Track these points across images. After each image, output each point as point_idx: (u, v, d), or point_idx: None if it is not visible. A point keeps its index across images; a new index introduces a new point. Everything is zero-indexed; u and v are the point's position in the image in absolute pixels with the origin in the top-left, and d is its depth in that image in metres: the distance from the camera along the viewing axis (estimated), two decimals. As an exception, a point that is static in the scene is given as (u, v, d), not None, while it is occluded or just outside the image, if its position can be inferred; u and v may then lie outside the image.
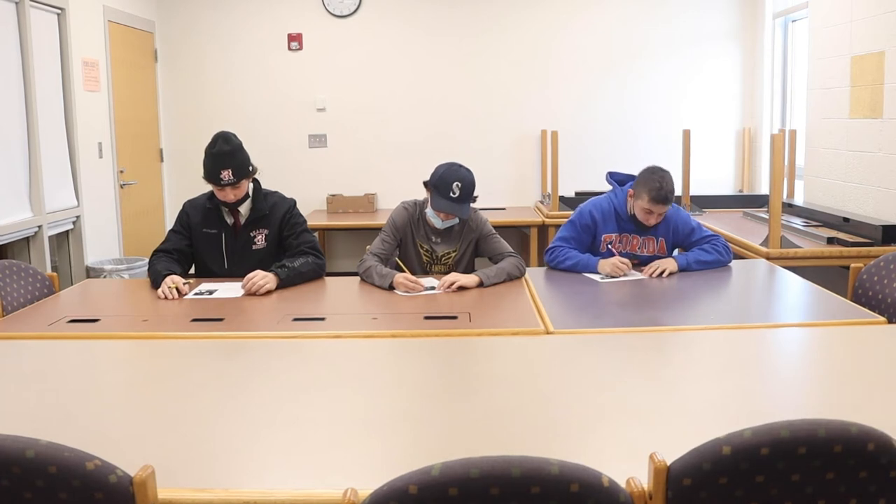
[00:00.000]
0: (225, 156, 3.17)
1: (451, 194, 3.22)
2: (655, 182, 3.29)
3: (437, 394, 1.99)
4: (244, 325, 2.67)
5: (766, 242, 4.06)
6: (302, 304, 2.93)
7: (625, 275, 3.29)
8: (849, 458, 1.33)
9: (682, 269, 3.32)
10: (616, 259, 3.31)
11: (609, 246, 3.49)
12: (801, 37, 5.89)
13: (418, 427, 1.77)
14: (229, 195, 3.23)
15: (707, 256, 3.38)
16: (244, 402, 1.93)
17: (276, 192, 3.44)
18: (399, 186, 6.32)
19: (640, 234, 3.49)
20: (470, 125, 6.60)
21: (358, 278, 3.27)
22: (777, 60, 6.27)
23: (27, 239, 4.56)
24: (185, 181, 6.47)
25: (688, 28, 6.53)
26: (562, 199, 5.91)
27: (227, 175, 3.16)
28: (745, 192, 6.48)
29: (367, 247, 3.41)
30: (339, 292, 3.15)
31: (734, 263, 3.52)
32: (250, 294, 3.03)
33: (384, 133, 6.62)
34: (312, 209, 6.54)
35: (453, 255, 3.41)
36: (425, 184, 3.35)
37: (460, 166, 3.30)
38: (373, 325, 2.64)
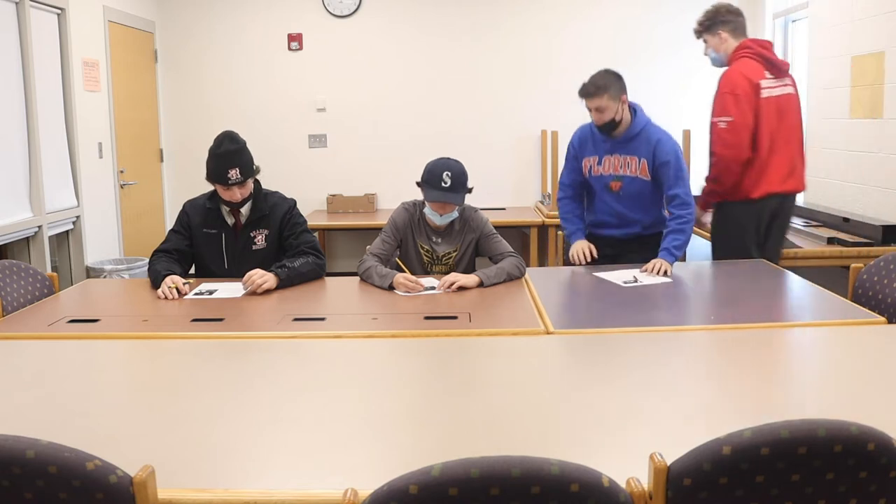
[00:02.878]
0: (232, 155, 3.18)
1: (443, 184, 3.23)
2: (584, 83, 3.51)
3: (437, 394, 1.99)
4: (244, 325, 2.67)
5: (766, 242, 4.06)
6: (302, 304, 2.93)
7: (587, 263, 3.47)
8: (849, 458, 1.33)
9: (675, 260, 3.40)
10: (583, 244, 3.47)
11: (590, 170, 3.62)
12: (801, 37, 5.89)
13: (418, 427, 1.77)
14: (236, 195, 3.23)
15: (680, 239, 3.42)
16: (244, 402, 1.93)
17: (276, 193, 3.44)
18: (399, 186, 6.31)
19: (620, 153, 3.56)
20: (470, 125, 6.60)
21: (358, 278, 3.28)
22: (777, 60, 6.26)
23: (27, 239, 4.56)
24: (185, 181, 6.47)
25: (688, 28, 6.47)
26: (562, 199, 5.90)
27: (234, 174, 3.17)
28: (745, 192, 6.48)
29: (367, 247, 3.41)
30: (339, 292, 3.15)
31: (734, 263, 3.52)
32: (250, 292, 3.03)
33: (384, 133, 6.62)
34: (312, 209, 6.54)
35: (454, 255, 3.41)
36: (418, 183, 3.35)
37: (448, 158, 3.32)
38: (373, 325, 2.64)
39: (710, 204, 3.77)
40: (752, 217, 3.64)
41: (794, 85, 3.72)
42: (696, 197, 3.62)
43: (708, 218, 3.84)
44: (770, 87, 3.60)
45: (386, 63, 6.54)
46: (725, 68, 3.71)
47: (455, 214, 3.34)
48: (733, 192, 3.62)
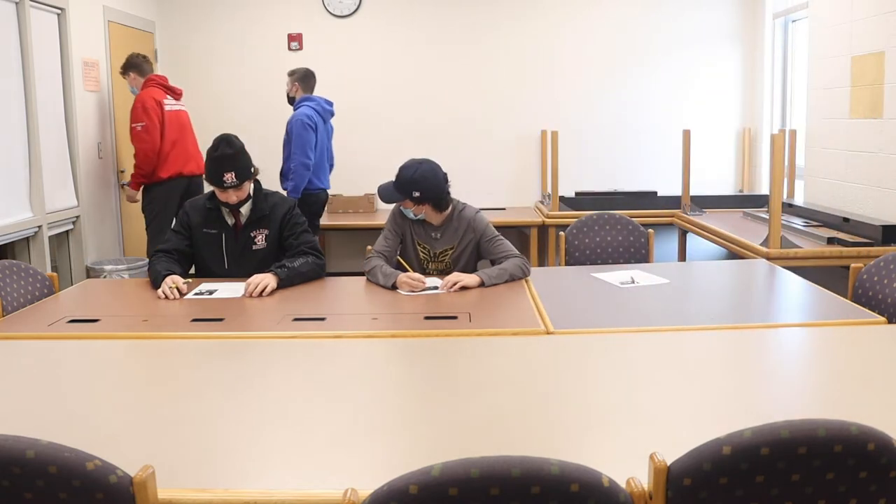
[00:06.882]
0: (227, 159, 3.18)
1: (394, 177, 3.29)
2: None
3: (438, 394, 1.99)
4: (244, 325, 2.67)
5: (766, 242, 4.06)
6: (302, 304, 2.94)
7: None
8: (849, 458, 1.33)
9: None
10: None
11: None
12: (801, 37, 5.89)
13: (418, 427, 1.77)
14: (232, 197, 3.24)
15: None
16: (244, 402, 1.93)
17: (276, 193, 3.44)
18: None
19: None
20: (470, 125, 6.59)
21: (358, 278, 3.28)
22: (777, 60, 6.26)
23: (27, 239, 4.56)
24: (185, 181, 6.46)
25: (688, 28, 6.53)
26: (562, 199, 5.91)
27: (229, 178, 3.17)
28: (745, 192, 6.48)
29: (369, 247, 3.42)
30: (339, 292, 3.15)
31: (734, 263, 3.52)
32: (254, 296, 3.03)
33: (384, 133, 6.62)
34: (312, 209, 6.52)
35: (450, 252, 3.41)
36: None
37: (421, 162, 3.30)
38: (373, 325, 2.64)
39: (140, 185, 5.23)
40: (167, 192, 5.21)
41: (184, 104, 5.51)
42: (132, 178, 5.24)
43: (139, 197, 5.36)
44: (170, 104, 5.28)
45: (386, 63, 6.54)
46: (138, 93, 5.28)
47: (411, 214, 3.34)
48: (151, 177, 5.19)
